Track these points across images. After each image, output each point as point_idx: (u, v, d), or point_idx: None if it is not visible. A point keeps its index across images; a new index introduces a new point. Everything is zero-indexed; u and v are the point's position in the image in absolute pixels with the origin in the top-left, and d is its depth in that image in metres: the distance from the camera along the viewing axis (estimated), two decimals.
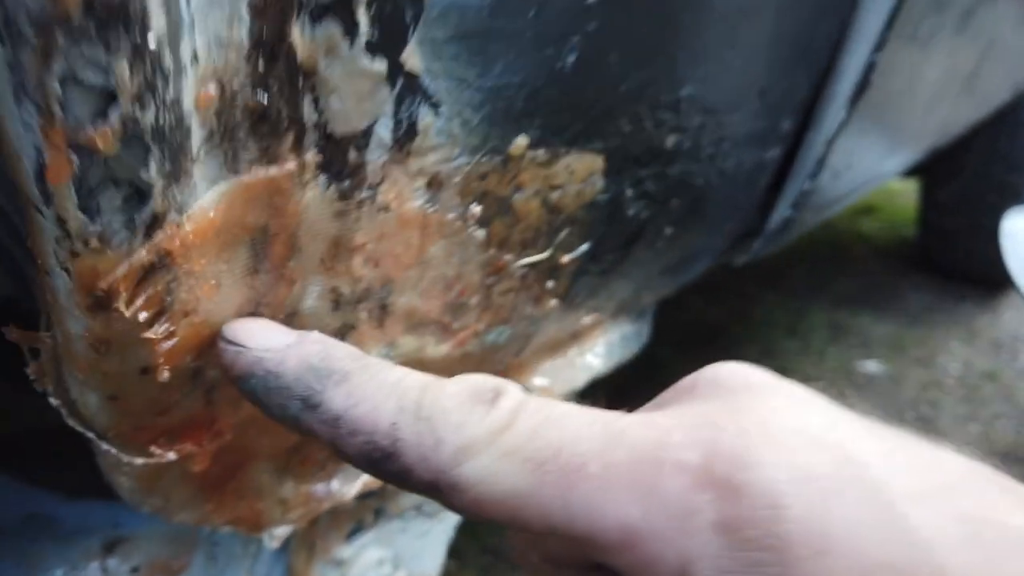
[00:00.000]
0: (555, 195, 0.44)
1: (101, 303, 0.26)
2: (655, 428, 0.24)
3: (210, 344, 0.31)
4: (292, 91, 0.29)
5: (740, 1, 0.49)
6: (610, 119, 0.45)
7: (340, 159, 0.32)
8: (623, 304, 0.64)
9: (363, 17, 0.29)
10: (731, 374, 0.27)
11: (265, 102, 0.28)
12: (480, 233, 0.41)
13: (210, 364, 0.32)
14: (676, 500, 0.23)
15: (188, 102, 0.25)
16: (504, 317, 0.47)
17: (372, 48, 0.30)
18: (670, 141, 0.51)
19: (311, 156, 0.31)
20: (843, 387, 1.88)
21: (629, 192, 0.51)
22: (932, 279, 2.50)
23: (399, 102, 0.32)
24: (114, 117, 0.23)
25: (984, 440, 1.71)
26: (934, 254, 2.49)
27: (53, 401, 0.33)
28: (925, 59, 0.83)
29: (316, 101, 0.30)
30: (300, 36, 0.28)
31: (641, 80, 0.45)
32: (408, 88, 0.32)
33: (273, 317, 0.34)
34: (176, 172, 0.26)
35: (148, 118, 0.24)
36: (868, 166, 0.92)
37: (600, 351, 0.65)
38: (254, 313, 0.33)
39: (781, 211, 0.73)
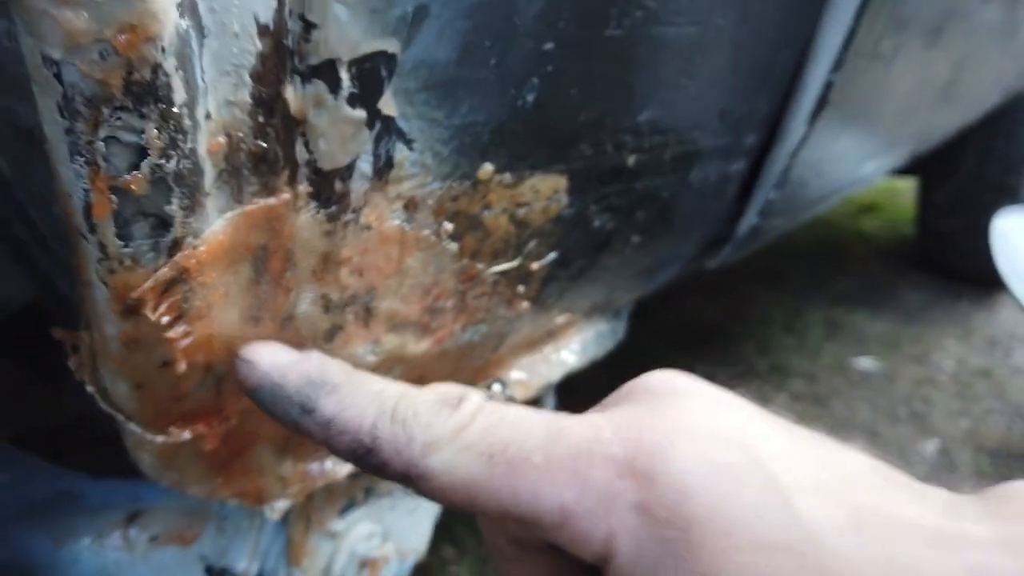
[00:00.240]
0: (522, 211, 0.50)
1: (132, 310, 0.33)
2: (590, 427, 0.29)
3: (219, 342, 0.38)
4: (287, 137, 0.35)
5: (694, 38, 0.55)
6: (571, 145, 0.51)
7: (328, 189, 0.38)
8: (596, 305, 0.70)
9: (345, 75, 0.35)
10: (661, 381, 0.31)
11: (265, 146, 0.34)
12: (453, 246, 0.47)
13: (219, 360, 0.38)
14: (602, 486, 0.27)
15: (202, 150, 0.32)
16: (479, 318, 0.53)
17: (353, 100, 0.36)
18: (632, 160, 0.57)
19: (303, 188, 0.37)
20: (837, 383, 1.93)
21: (594, 207, 0.57)
22: (930, 278, 2.54)
23: (377, 141, 0.39)
24: (145, 167, 0.29)
25: (975, 436, 1.75)
26: (931, 254, 2.53)
27: (89, 388, 0.39)
28: (890, 74, 0.88)
29: (307, 144, 0.36)
30: (293, 94, 0.34)
31: (600, 110, 0.51)
32: (385, 129, 0.39)
33: (273, 320, 0.40)
34: (193, 205, 0.32)
35: (171, 166, 0.30)
36: (840, 173, 0.98)
37: (575, 348, 0.71)
38: (256, 317, 0.39)
39: (749, 219, 0.79)
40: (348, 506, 0.59)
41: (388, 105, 0.38)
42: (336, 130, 0.36)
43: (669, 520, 0.26)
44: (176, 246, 0.32)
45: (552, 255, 0.56)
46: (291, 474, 0.51)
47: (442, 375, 0.57)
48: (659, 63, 0.53)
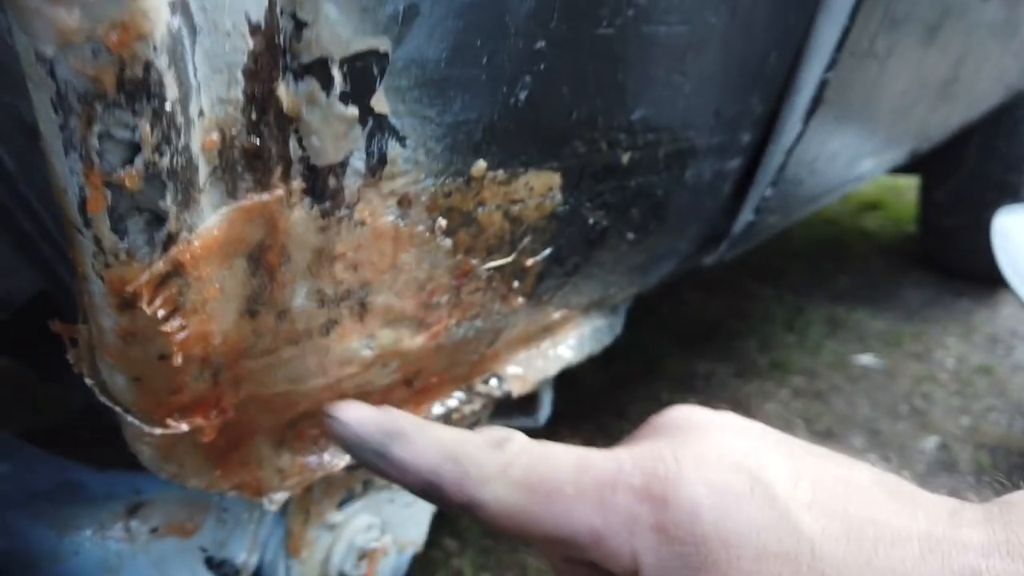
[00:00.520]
0: (516, 208, 0.51)
1: (128, 303, 0.34)
2: (614, 460, 0.33)
3: (215, 336, 0.38)
4: (280, 134, 0.36)
5: (686, 36, 0.56)
6: (565, 142, 0.51)
7: (321, 185, 0.39)
8: (592, 301, 0.70)
9: (337, 73, 0.36)
10: (681, 416, 0.36)
11: (258, 143, 0.35)
12: (447, 242, 0.47)
13: (215, 353, 0.39)
14: (625, 510, 0.31)
15: (196, 147, 0.32)
16: (474, 314, 0.54)
17: (345, 97, 0.37)
18: (626, 158, 0.58)
19: (297, 184, 0.38)
20: (838, 380, 1.93)
21: (588, 203, 0.57)
22: (932, 276, 2.54)
23: (370, 138, 0.39)
24: (139, 163, 0.30)
25: (975, 433, 1.75)
26: (933, 252, 2.53)
27: (88, 381, 0.40)
28: (886, 72, 0.88)
29: (300, 140, 0.37)
30: (285, 91, 0.35)
31: (592, 108, 0.52)
32: (377, 127, 0.39)
33: (268, 314, 0.41)
34: (187, 200, 0.33)
35: (165, 162, 0.31)
36: (836, 171, 0.98)
37: (572, 343, 0.71)
38: (251, 311, 0.40)
39: (744, 217, 0.79)
40: (347, 498, 0.59)
41: (380, 103, 0.39)
42: (329, 127, 0.37)
43: (683, 538, 0.30)
44: (171, 241, 0.33)
45: (547, 251, 0.56)
46: (289, 466, 0.52)
47: (438, 369, 0.58)
48: (651, 61, 0.54)
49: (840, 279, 2.51)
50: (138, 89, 0.29)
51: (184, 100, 0.31)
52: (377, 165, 0.40)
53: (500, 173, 0.48)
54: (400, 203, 0.43)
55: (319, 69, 0.35)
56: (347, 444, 0.38)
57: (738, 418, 0.36)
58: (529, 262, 0.56)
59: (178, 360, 0.37)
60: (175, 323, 0.36)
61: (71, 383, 0.77)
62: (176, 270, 0.34)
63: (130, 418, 0.40)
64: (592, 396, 1.67)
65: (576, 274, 0.62)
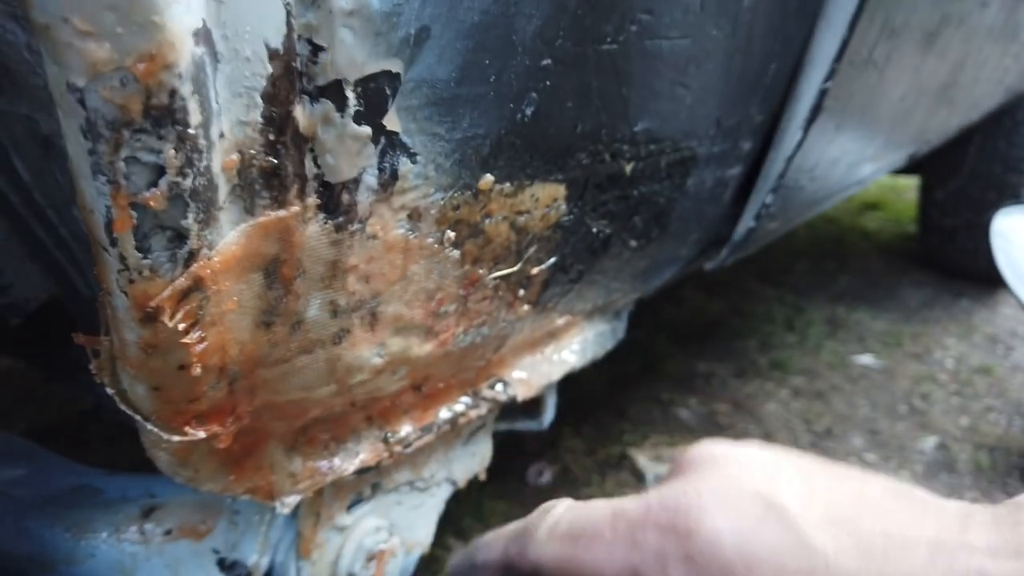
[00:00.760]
0: (522, 219, 0.52)
1: (150, 317, 0.35)
2: (643, 503, 0.36)
3: (233, 347, 0.40)
4: (296, 153, 0.37)
5: (688, 50, 0.57)
6: (569, 155, 0.53)
7: (335, 201, 0.40)
8: (596, 307, 0.71)
9: (351, 95, 0.37)
10: (702, 452, 0.39)
11: (275, 162, 0.36)
12: (455, 253, 0.49)
13: (232, 363, 0.40)
14: (655, 546, 0.35)
15: (217, 167, 0.34)
16: (480, 321, 0.55)
17: (359, 117, 0.38)
18: (629, 168, 0.59)
19: (312, 200, 0.39)
20: (838, 380, 1.94)
21: (592, 213, 0.58)
22: (932, 276, 2.54)
23: (382, 155, 0.40)
24: (163, 184, 0.31)
25: (974, 433, 1.76)
26: (933, 252, 2.53)
27: (109, 390, 0.41)
28: (885, 79, 0.90)
29: (315, 159, 0.38)
30: (302, 113, 0.36)
31: (597, 121, 0.53)
32: (389, 145, 0.40)
33: (283, 325, 0.42)
34: (208, 219, 0.34)
35: (187, 183, 0.32)
36: (836, 177, 0.99)
37: (576, 348, 0.73)
38: (267, 322, 0.41)
39: (745, 223, 0.81)
40: (356, 501, 0.61)
41: (392, 121, 0.40)
42: (343, 146, 0.38)
43: (708, 565, 0.33)
44: (192, 257, 0.34)
45: (551, 260, 0.58)
46: (301, 470, 0.53)
47: (445, 375, 0.59)
48: (654, 75, 0.55)
49: (840, 279, 2.52)
50: (163, 115, 0.30)
51: (206, 124, 0.32)
52: (389, 181, 0.42)
53: (507, 186, 0.49)
54: (411, 217, 0.44)
55: (334, 91, 0.36)
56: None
57: (757, 449, 0.39)
58: (534, 271, 0.57)
59: (197, 370, 0.38)
60: (195, 335, 0.37)
61: (79, 384, 0.79)
62: (197, 285, 0.35)
63: (149, 426, 0.41)
64: (593, 396, 1.68)
65: (580, 281, 0.64)
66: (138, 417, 0.41)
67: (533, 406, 0.75)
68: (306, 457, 0.53)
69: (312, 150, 0.38)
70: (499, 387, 0.65)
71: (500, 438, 0.72)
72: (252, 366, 0.43)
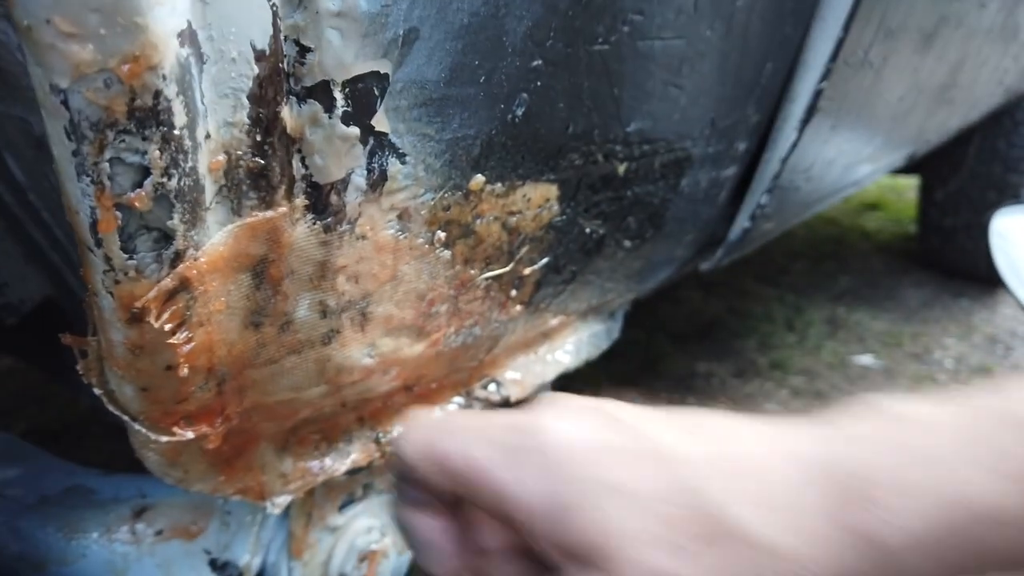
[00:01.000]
0: (513, 219, 0.52)
1: (136, 317, 0.35)
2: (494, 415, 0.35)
3: (220, 347, 0.40)
4: (284, 154, 0.37)
5: (681, 50, 0.57)
6: (561, 155, 0.53)
7: (324, 202, 0.40)
8: (590, 307, 0.71)
9: (339, 95, 0.37)
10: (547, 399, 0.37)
11: (263, 163, 0.36)
12: (446, 254, 0.49)
13: (220, 363, 0.40)
14: (504, 440, 0.33)
15: (203, 168, 0.34)
16: (472, 322, 0.55)
17: (347, 118, 0.38)
18: (622, 168, 0.59)
19: (300, 201, 0.39)
20: (838, 380, 1.94)
21: (585, 214, 0.58)
22: (931, 276, 2.54)
23: (371, 156, 0.40)
24: (148, 185, 0.31)
25: None
26: (933, 252, 2.53)
27: (96, 391, 0.41)
28: (881, 80, 0.89)
29: (303, 160, 0.38)
30: (289, 113, 0.36)
31: (589, 122, 0.53)
32: (378, 145, 0.40)
33: (272, 326, 0.42)
34: (194, 219, 0.34)
35: (173, 184, 0.32)
36: (832, 178, 0.99)
37: (570, 348, 0.72)
38: (256, 323, 0.41)
39: (740, 223, 0.81)
40: (348, 501, 0.61)
41: (381, 122, 0.40)
42: (331, 147, 0.38)
43: (557, 456, 0.32)
44: (178, 258, 0.34)
45: (544, 260, 0.58)
46: (292, 471, 0.53)
47: (438, 376, 0.59)
48: (647, 76, 0.55)
49: (840, 279, 2.51)
50: (148, 117, 0.30)
51: (192, 125, 0.32)
52: (378, 181, 0.42)
53: (498, 186, 0.49)
54: (400, 217, 0.44)
55: (322, 92, 0.36)
56: None
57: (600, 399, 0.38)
58: (527, 271, 0.57)
59: (184, 371, 0.38)
60: (182, 336, 0.37)
61: (77, 384, 0.79)
62: (183, 285, 0.35)
63: (137, 426, 0.41)
64: (592, 396, 1.68)
65: (573, 282, 0.64)
66: (126, 417, 0.41)
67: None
68: (297, 457, 0.53)
69: (300, 151, 0.38)
70: (492, 387, 0.65)
71: None
72: (241, 367, 0.43)
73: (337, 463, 0.55)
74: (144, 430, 0.41)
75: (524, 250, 0.55)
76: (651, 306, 2.12)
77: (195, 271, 0.35)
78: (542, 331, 0.68)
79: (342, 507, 0.61)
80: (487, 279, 0.53)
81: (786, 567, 0.29)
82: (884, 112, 1.00)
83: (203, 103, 0.32)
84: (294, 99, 0.36)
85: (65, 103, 0.28)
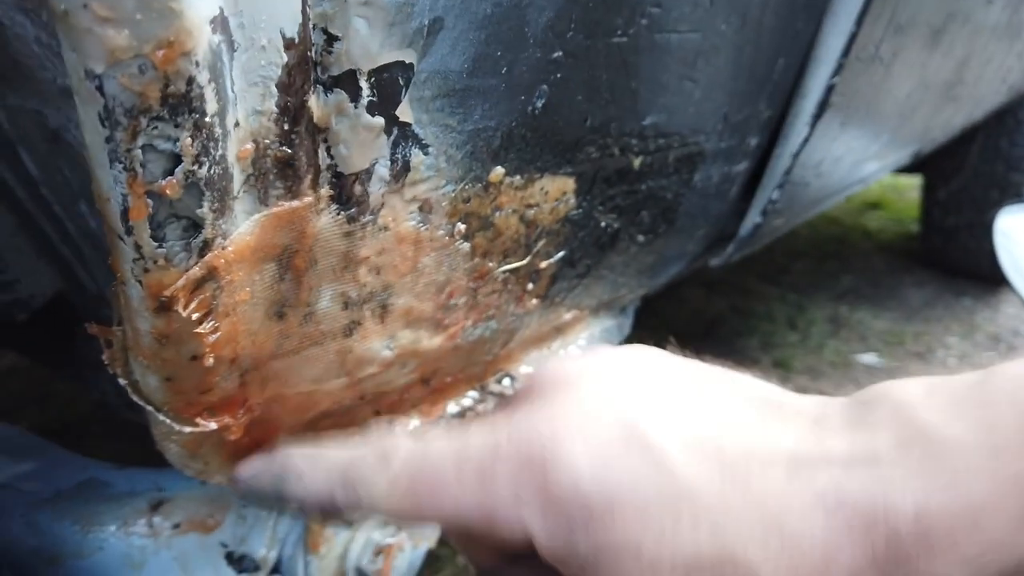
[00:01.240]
0: (531, 212, 0.52)
1: (164, 306, 0.35)
2: (492, 440, 0.34)
3: (245, 337, 0.40)
4: (310, 143, 0.37)
5: (697, 44, 0.57)
6: (579, 148, 0.53)
7: (348, 192, 0.40)
8: (603, 302, 0.71)
9: (365, 85, 0.37)
10: (554, 372, 0.37)
11: (289, 152, 0.36)
12: (465, 246, 0.49)
13: (244, 353, 0.40)
14: (507, 484, 0.32)
15: (232, 157, 0.34)
16: (490, 315, 0.55)
17: (372, 108, 0.38)
18: (637, 162, 0.59)
19: (325, 191, 0.39)
20: (840, 379, 1.94)
21: (600, 207, 0.58)
22: (934, 275, 2.55)
23: (395, 146, 0.40)
24: (179, 173, 0.31)
25: None
26: (935, 251, 2.53)
27: (121, 381, 0.41)
28: (891, 76, 0.90)
29: (328, 149, 0.38)
30: (316, 103, 0.36)
31: (606, 115, 0.53)
32: (402, 136, 0.40)
33: (294, 316, 0.42)
34: (222, 208, 0.34)
35: (203, 172, 0.32)
36: (842, 174, 0.99)
37: (582, 343, 0.72)
38: (279, 313, 0.41)
39: (752, 219, 0.81)
40: None
41: (405, 112, 0.40)
42: (356, 136, 0.38)
43: (566, 500, 0.31)
44: (206, 247, 0.34)
45: (560, 254, 0.58)
46: None
47: (454, 369, 0.59)
48: (663, 69, 0.55)
49: (843, 278, 2.52)
50: (181, 103, 0.30)
51: (222, 113, 0.32)
52: (401, 172, 0.42)
53: (517, 179, 0.49)
54: (422, 208, 0.44)
55: (348, 81, 0.36)
56: (249, 498, 0.42)
57: (610, 360, 0.37)
58: (543, 264, 0.57)
59: (209, 361, 0.38)
60: (208, 325, 0.37)
61: (84, 381, 0.79)
62: (211, 275, 0.35)
63: (161, 417, 0.41)
64: None
65: (588, 276, 0.64)
66: (150, 408, 0.41)
67: None
68: None
69: (326, 140, 0.38)
70: (506, 381, 0.65)
71: None
72: (264, 357, 0.43)
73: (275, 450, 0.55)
74: (168, 420, 0.41)
75: (541, 243, 0.55)
76: (654, 304, 2.13)
77: (223, 260, 0.35)
78: (556, 325, 0.68)
79: None
80: (505, 272, 0.53)
81: None
82: (892, 109, 1.00)
83: (233, 91, 0.32)
84: (321, 88, 0.36)
85: (100, 89, 0.28)
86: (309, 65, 0.35)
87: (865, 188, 1.95)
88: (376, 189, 0.41)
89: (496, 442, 0.34)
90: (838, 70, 0.73)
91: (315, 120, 0.36)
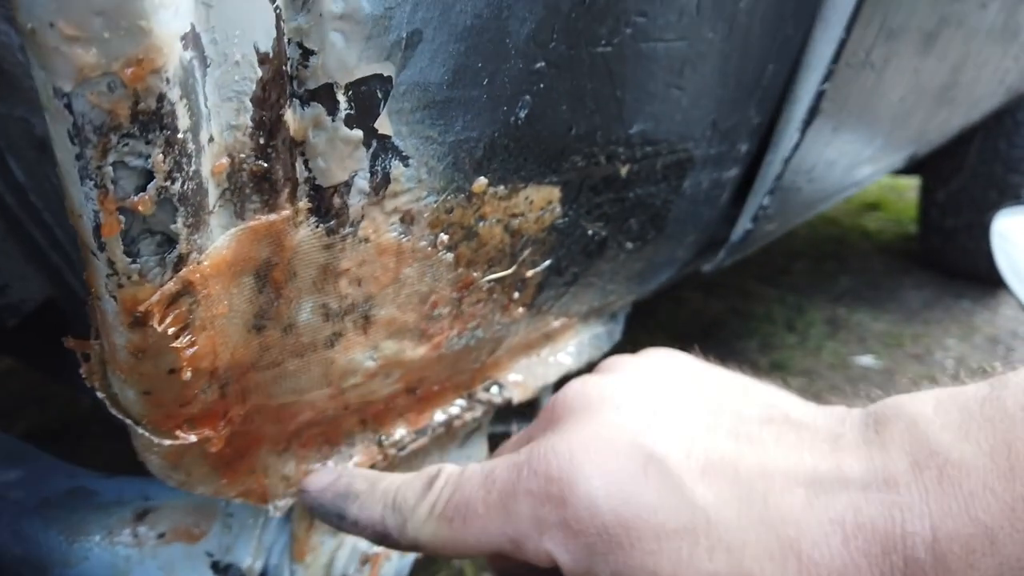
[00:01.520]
0: (516, 222, 0.52)
1: (139, 321, 0.35)
2: (513, 468, 0.35)
3: (223, 351, 0.39)
4: (287, 157, 0.37)
5: (684, 52, 0.57)
6: (564, 157, 0.52)
7: (327, 205, 0.40)
8: (592, 309, 0.71)
9: (342, 98, 0.37)
10: (575, 395, 0.38)
11: (266, 166, 0.36)
12: (449, 256, 0.49)
13: (223, 367, 0.40)
14: (530, 515, 0.33)
15: (206, 172, 0.34)
16: (475, 324, 0.55)
17: (350, 120, 0.38)
18: (624, 170, 0.59)
19: (303, 204, 0.39)
20: (838, 381, 1.94)
21: (587, 215, 0.58)
22: (933, 277, 2.54)
23: (374, 159, 0.40)
24: (151, 189, 0.31)
25: None
26: (934, 252, 2.53)
27: (99, 395, 0.41)
28: (883, 81, 0.89)
29: (306, 163, 0.38)
30: (292, 116, 0.36)
31: (591, 124, 0.53)
32: (381, 148, 0.40)
33: (274, 329, 0.42)
34: (197, 223, 0.34)
35: (176, 187, 0.32)
36: (834, 178, 0.99)
37: (572, 350, 0.72)
38: (258, 326, 0.41)
39: (743, 225, 0.80)
40: None
41: (384, 125, 0.40)
42: (334, 149, 0.38)
43: (586, 530, 0.32)
44: (181, 261, 0.34)
45: (546, 263, 0.58)
46: (294, 473, 0.53)
47: (440, 378, 0.59)
48: (649, 77, 0.55)
49: (841, 280, 2.51)
50: (151, 120, 0.30)
51: (195, 128, 0.32)
52: (381, 184, 0.42)
53: (501, 188, 0.49)
54: (403, 220, 0.44)
55: (325, 94, 0.36)
56: (315, 513, 0.44)
57: (631, 384, 0.38)
58: (529, 273, 0.57)
59: (187, 374, 0.38)
60: (185, 339, 0.37)
61: (78, 385, 0.79)
62: (186, 289, 0.35)
63: (140, 430, 0.41)
64: None
65: (575, 284, 0.63)
66: (129, 421, 0.41)
67: (529, 409, 0.75)
68: (299, 460, 0.53)
69: (303, 154, 0.37)
70: (494, 389, 0.65)
71: (496, 441, 0.72)
72: (244, 370, 0.42)
73: (342, 465, 0.55)
74: (147, 434, 0.41)
75: (527, 252, 0.55)
76: (652, 307, 2.12)
77: (198, 275, 0.35)
78: (544, 333, 0.68)
79: None
80: (490, 282, 0.53)
81: None
82: (885, 113, 1.00)
83: (206, 106, 0.32)
84: (297, 102, 0.36)
85: (68, 107, 0.28)
86: (284, 79, 0.35)
87: (860, 191, 1.95)
88: (356, 201, 0.41)
89: (519, 469, 0.35)
90: (828, 76, 0.73)
91: (292, 134, 0.36)
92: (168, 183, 0.31)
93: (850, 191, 1.21)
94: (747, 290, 2.38)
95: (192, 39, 0.30)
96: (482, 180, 0.47)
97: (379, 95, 0.39)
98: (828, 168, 0.92)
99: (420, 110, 0.41)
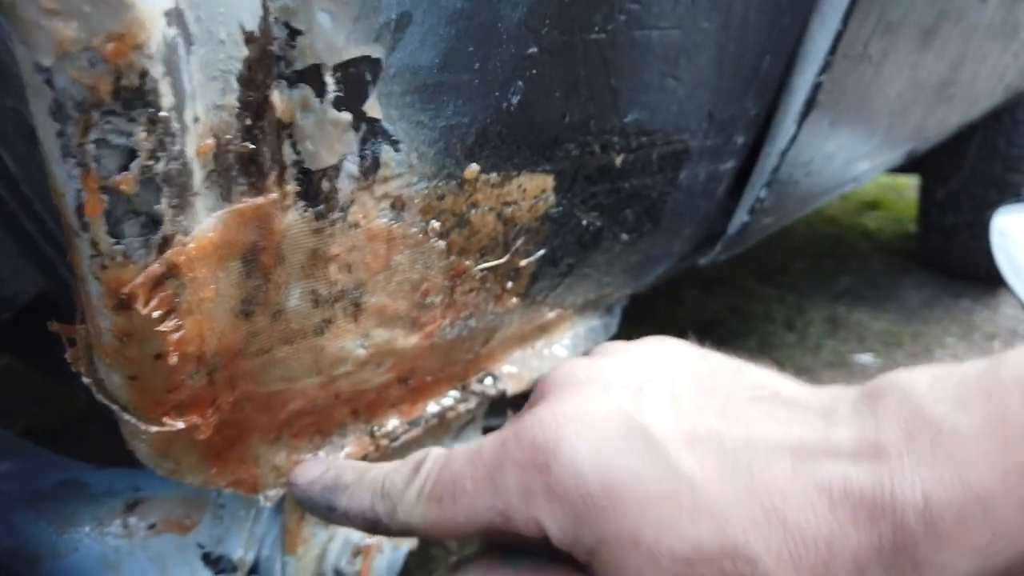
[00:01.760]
0: (509, 210, 0.52)
1: (124, 304, 0.34)
2: (499, 441, 0.35)
3: (211, 336, 0.39)
4: (274, 138, 0.36)
5: (678, 41, 0.56)
6: (557, 145, 0.52)
7: (315, 189, 0.39)
8: (587, 301, 0.71)
9: (330, 80, 0.37)
10: (565, 374, 0.38)
11: (252, 148, 0.36)
12: (440, 244, 0.48)
13: (211, 352, 0.40)
14: (517, 485, 0.33)
15: (191, 152, 0.33)
16: (467, 313, 0.55)
17: (339, 103, 0.37)
18: (619, 160, 0.59)
19: (291, 187, 0.38)
20: (838, 379, 1.93)
21: (581, 205, 0.58)
22: (932, 275, 2.54)
23: (363, 142, 0.40)
24: (135, 168, 0.31)
25: None
26: (933, 251, 2.53)
27: (85, 380, 0.41)
28: (881, 75, 0.89)
29: (294, 145, 0.37)
30: (279, 97, 0.36)
31: (585, 112, 0.52)
32: (371, 131, 0.40)
33: (263, 314, 0.42)
34: (182, 204, 0.34)
35: (160, 167, 0.32)
36: (831, 173, 0.99)
37: (567, 343, 0.72)
38: (246, 311, 0.41)
39: (739, 218, 0.80)
40: None
41: (373, 108, 0.39)
42: (322, 132, 0.38)
43: (571, 497, 0.31)
44: (166, 243, 0.34)
45: (540, 252, 0.57)
46: (285, 463, 0.53)
47: (433, 368, 0.58)
48: (644, 66, 0.55)
49: (840, 278, 2.51)
50: (134, 97, 0.29)
51: (179, 107, 0.31)
52: (370, 168, 0.41)
53: (493, 176, 0.49)
54: (393, 205, 0.44)
55: (312, 76, 0.36)
56: (304, 505, 0.43)
57: (621, 365, 0.37)
58: (523, 263, 0.56)
59: (174, 359, 0.38)
60: (171, 323, 0.37)
61: (73, 381, 0.78)
62: (171, 272, 0.35)
63: (127, 416, 0.41)
64: None
65: (570, 275, 0.63)
66: (115, 407, 0.40)
67: (523, 401, 0.75)
68: (291, 450, 0.52)
69: (290, 136, 0.37)
70: (488, 381, 0.64)
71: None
72: (232, 356, 0.42)
73: (331, 456, 0.54)
74: (134, 420, 0.41)
75: (520, 241, 0.54)
76: (651, 304, 2.12)
77: (183, 257, 0.35)
78: (539, 325, 0.67)
79: None
80: (482, 270, 0.53)
81: None
82: (883, 107, 0.99)
83: (191, 85, 0.32)
84: (284, 83, 0.35)
85: (49, 82, 0.28)
86: (271, 59, 0.34)
87: (859, 187, 1.95)
88: (345, 186, 0.41)
89: (504, 441, 0.34)
90: (825, 68, 0.73)
91: (279, 115, 0.36)
92: (152, 162, 0.31)
93: (848, 186, 1.21)
94: (746, 288, 2.38)
95: (176, 16, 0.30)
96: (474, 167, 0.47)
97: (368, 77, 0.38)
98: (825, 162, 0.91)
99: (410, 94, 0.41)
